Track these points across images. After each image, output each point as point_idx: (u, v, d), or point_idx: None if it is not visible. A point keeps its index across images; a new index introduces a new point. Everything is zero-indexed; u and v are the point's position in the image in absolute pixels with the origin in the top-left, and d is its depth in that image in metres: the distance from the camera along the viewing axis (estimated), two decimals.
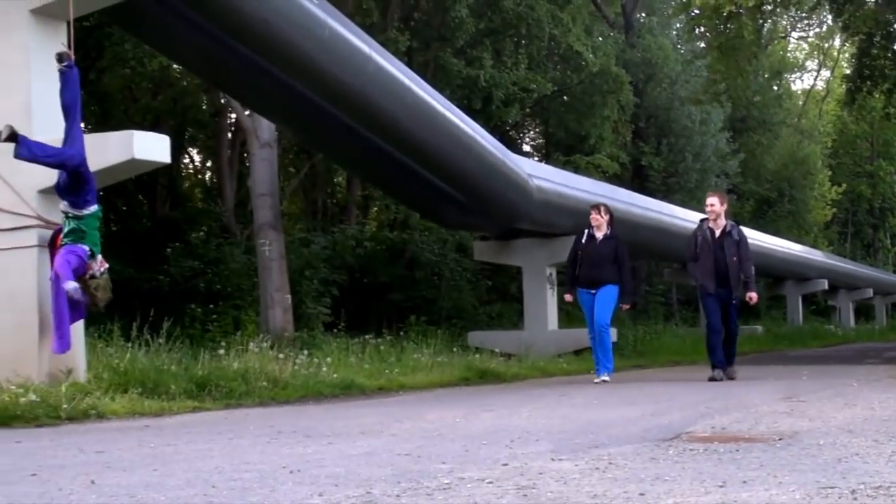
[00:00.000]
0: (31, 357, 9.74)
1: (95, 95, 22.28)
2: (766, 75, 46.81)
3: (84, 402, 8.83)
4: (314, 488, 4.64)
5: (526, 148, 37.23)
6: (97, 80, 22.11)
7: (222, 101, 23.35)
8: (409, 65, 19.62)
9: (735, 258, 13.37)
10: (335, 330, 18.53)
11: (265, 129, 18.12)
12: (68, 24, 10.02)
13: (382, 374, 13.37)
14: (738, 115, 43.04)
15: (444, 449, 6.08)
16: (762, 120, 45.08)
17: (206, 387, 10.48)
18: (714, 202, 13.67)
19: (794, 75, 59.52)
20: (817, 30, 55.25)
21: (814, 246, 45.59)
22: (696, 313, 32.66)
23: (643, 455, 5.57)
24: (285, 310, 17.81)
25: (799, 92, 59.16)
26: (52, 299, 9.59)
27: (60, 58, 9.53)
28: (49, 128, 9.89)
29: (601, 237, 13.93)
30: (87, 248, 9.67)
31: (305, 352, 13.63)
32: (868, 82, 25.31)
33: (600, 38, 32.87)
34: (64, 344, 9.54)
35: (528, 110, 32.22)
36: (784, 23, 48.35)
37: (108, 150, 10.08)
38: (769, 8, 24.34)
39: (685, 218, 24.05)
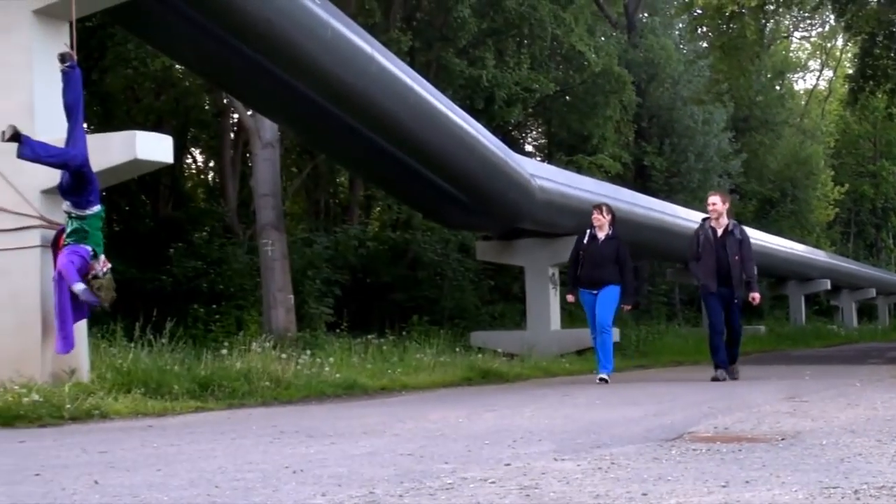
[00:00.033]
0: (35, 357, 9.75)
1: (98, 96, 22.31)
2: (769, 75, 46.78)
3: (87, 402, 8.84)
4: (317, 488, 4.64)
5: (528, 148, 37.23)
6: (100, 80, 22.13)
7: (225, 101, 23.37)
8: (412, 65, 19.62)
9: (737, 257, 13.34)
10: (338, 330, 18.54)
11: (267, 129, 18.12)
12: (70, 24, 10.02)
13: (385, 374, 13.37)
14: (741, 115, 43.02)
15: (447, 449, 6.08)
16: (765, 120, 45.06)
17: (208, 387, 10.49)
18: (716, 201, 13.63)
19: (796, 75, 59.59)
20: (820, 30, 55.26)
21: (816, 246, 45.56)
22: (698, 313, 32.66)
23: (646, 455, 5.57)
24: (288, 310, 17.81)
25: (801, 92, 59.15)
26: (55, 299, 9.59)
27: (63, 58, 9.54)
28: (51, 128, 9.90)
29: (603, 237, 13.89)
30: (89, 248, 9.67)
31: (308, 352, 13.64)
32: (871, 82, 25.32)
33: (603, 38, 32.88)
34: (68, 344, 9.55)
35: (530, 110, 32.22)
36: (786, 23, 48.32)
37: (110, 150, 10.09)
38: (772, 8, 24.33)
39: (688, 218, 24.04)
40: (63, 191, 9.73)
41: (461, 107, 17.92)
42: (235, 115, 23.85)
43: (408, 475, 4.98)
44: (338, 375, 12.27)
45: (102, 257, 9.79)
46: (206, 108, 26.33)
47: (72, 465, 5.63)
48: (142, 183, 23.14)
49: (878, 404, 8.58)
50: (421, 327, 20.38)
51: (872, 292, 47.73)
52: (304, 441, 6.68)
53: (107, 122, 21.94)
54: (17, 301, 9.95)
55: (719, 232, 13.45)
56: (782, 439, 6.18)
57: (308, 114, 14.61)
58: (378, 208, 29.83)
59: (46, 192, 10.01)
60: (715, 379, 13.15)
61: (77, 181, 9.60)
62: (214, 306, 19.14)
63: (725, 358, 13.48)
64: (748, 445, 5.91)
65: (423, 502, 4.26)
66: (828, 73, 61.10)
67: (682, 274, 28.67)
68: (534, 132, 38.67)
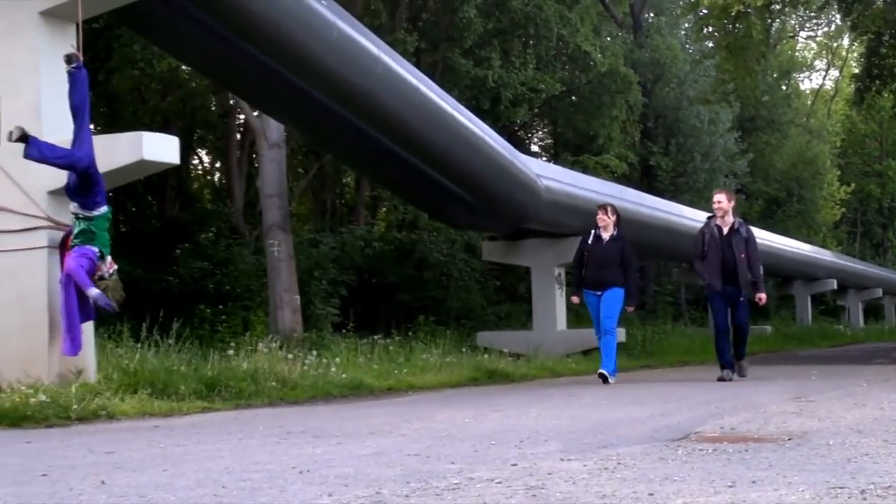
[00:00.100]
0: (42, 358, 9.77)
1: (104, 97, 22.32)
2: (775, 75, 46.74)
3: (94, 402, 8.85)
4: (323, 488, 4.65)
5: (534, 148, 37.23)
6: (106, 81, 22.15)
7: (231, 102, 23.38)
8: (418, 65, 19.64)
9: (743, 255, 13.25)
10: (344, 330, 18.53)
11: (274, 129, 18.14)
12: (77, 25, 10.04)
13: (391, 374, 13.38)
14: (747, 115, 42.97)
15: (454, 449, 6.08)
16: (771, 120, 45.01)
17: (215, 387, 10.50)
18: (721, 199, 13.53)
19: (802, 75, 59.53)
20: (826, 29, 55.19)
21: (823, 246, 45.50)
22: (704, 313, 32.62)
23: (652, 455, 5.57)
24: (294, 310, 17.83)
25: (807, 91, 59.12)
26: (62, 301, 9.60)
27: (69, 59, 9.55)
28: (58, 129, 9.92)
29: (608, 238, 13.81)
30: (96, 249, 9.69)
31: (314, 352, 13.64)
32: (877, 81, 25.30)
33: (608, 38, 32.85)
34: (76, 346, 9.57)
35: (536, 110, 32.21)
36: (792, 22, 48.25)
37: (117, 151, 10.11)
38: (777, 7, 24.33)
39: (694, 218, 24.01)
40: (70, 192, 9.75)
41: (467, 107, 17.92)
42: (242, 116, 23.88)
43: (414, 475, 4.98)
44: (344, 376, 12.29)
45: (109, 258, 9.80)
46: (213, 108, 26.35)
47: (79, 466, 5.64)
48: (148, 184, 23.15)
49: (884, 404, 8.57)
50: (427, 327, 20.38)
51: (879, 292, 47.65)
52: (310, 441, 6.68)
53: (113, 123, 21.94)
54: (24, 302, 9.97)
55: (725, 230, 13.36)
56: (789, 439, 6.18)
57: (314, 114, 14.62)
58: (384, 209, 29.81)
59: (53, 193, 10.03)
60: (721, 379, 13.12)
61: (83, 182, 9.62)
62: (221, 307, 19.15)
63: (731, 358, 13.44)
64: (755, 445, 5.91)
65: (429, 502, 4.26)
66: (834, 73, 61.11)
67: (688, 274, 28.63)
68: (540, 132, 38.68)
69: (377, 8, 24.37)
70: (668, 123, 35.47)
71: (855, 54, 46.73)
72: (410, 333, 19.27)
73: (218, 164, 30.74)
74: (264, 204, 18.60)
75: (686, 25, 36.22)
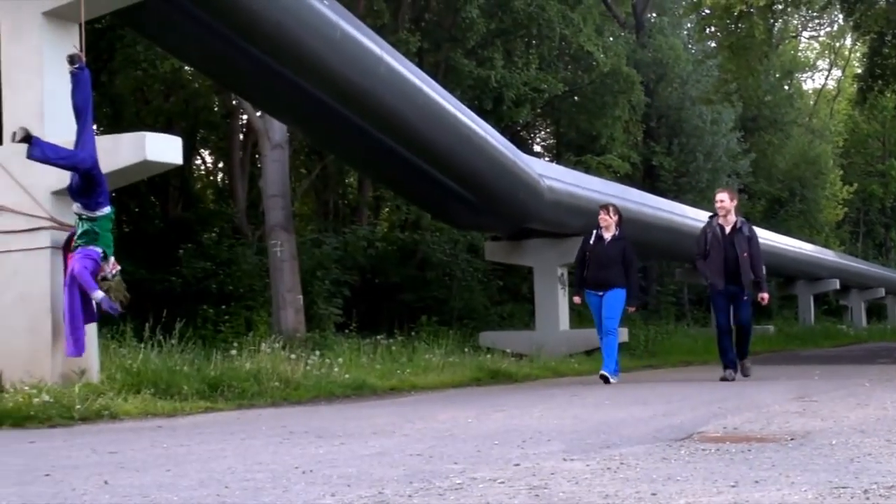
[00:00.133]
0: (45, 358, 9.79)
1: (107, 97, 22.35)
2: (778, 75, 46.70)
3: (97, 402, 8.86)
4: (326, 488, 4.65)
5: (537, 148, 37.23)
6: (109, 81, 22.17)
7: (234, 102, 23.40)
8: (420, 65, 19.64)
9: (746, 254, 13.21)
10: (347, 330, 18.55)
11: (277, 130, 18.14)
12: (80, 26, 10.05)
13: (394, 374, 13.39)
14: (749, 115, 42.96)
15: (456, 449, 6.09)
16: (773, 119, 44.98)
17: (218, 387, 10.51)
18: (724, 198, 13.50)
19: (805, 75, 59.47)
20: (828, 29, 55.25)
21: (825, 245, 45.48)
22: (707, 313, 32.58)
23: (655, 455, 5.58)
24: (297, 310, 17.83)
25: (810, 91, 59.06)
26: (66, 303, 9.61)
27: (72, 60, 9.56)
28: (61, 129, 9.93)
29: (609, 238, 13.78)
30: (100, 250, 9.70)
31: (317, 352, 13.65)
32: (879, 81, 25.28)
33: (611, 38, 32.82)
34: (80, 347, 9.59)
35: (538, 110, 32.20)
36: (795, 22, 48.29)
37: (120, 151, 10.12)
38: (780, 7, 24.30)
39: (696, 218, 23.99)
40: (73, 193, 9.76)
41: (470, 107, 17.92)
42: (244, 117, 23.90)
43: (417, 475, 4.99)
44: (347, 376, 12.29)
45: (112, 259, 9.81)
46: (216, 109, 26.36)
47: (82, 466, 5.65)
48: (151, 184, 23.17)
49: (888, 404, 8.57)
50: (430, 328, 20.39)
51: (882, 292, 47.62)
52: (313, 441, 6.69)
53: (116, 123, 21.96)
54: (27, 302, 9.98)
55: (727, 229, 13.32)
56: (792, 439, 6.18)
57: (317, 114, 14.63)
58: (387, 209, 29.82)
59: (56, 194, 10.05)
60: (724, 379, 13.10)
61: (86, 183, 9.63)
62: (224, 307, 19.16)
63: (734, 358, 13.42)
64: (757, 445, 5.91)
65: (432, 502, 4.26)
66: (836, 73, 61.01)
67: (691, 274, 28.63)
68: (542, 132, 38.68)
69: (380, 8, 24.37)
70: (671, 123, 35.46)
71: (857, 54, 46.78)
72: (413, 333, 19.27)
73: (221, 165, 30.77)
74: (267, 204, 18.61)
75: (688, 25, 36.17)
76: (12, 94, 10.29)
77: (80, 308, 9.58)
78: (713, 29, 26.79)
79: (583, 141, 32.85)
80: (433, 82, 15.90)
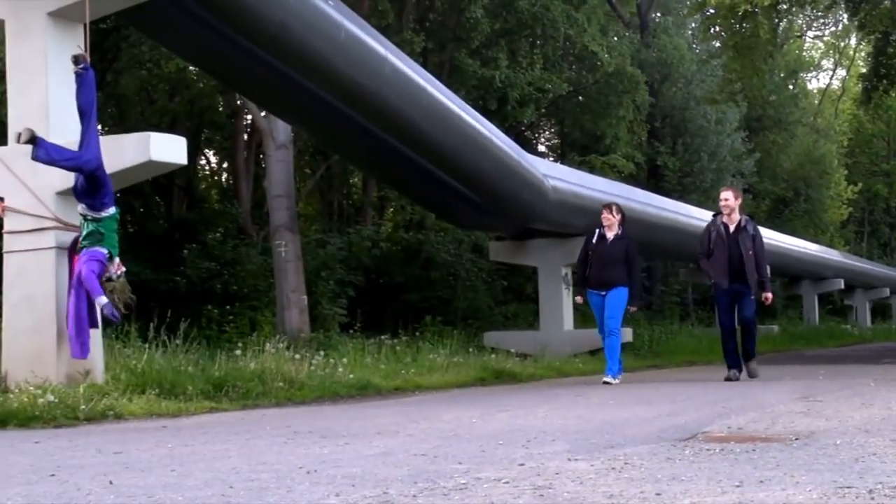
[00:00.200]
0: (50, 358, 9.80)
1: (112, 97, 22.37)
2: (782, 74, 46.67)
3: (102, 402, 8.88)
4: (331, 488, 4.65)
5: (541, 148, 37.20)
6: (114, 82, 22.19)
7: (238, 102, 23.42)
8: (425, 66, 19.64)
9: (751, 252, 13.13)
10: (351, 330, 18.55)
11: (281, 130, 18.16)
12: (85, 26, 10.06)
13: (398, 374, 13.39)
14: (754, 115, 42.93)
15: (461, 449, 6.09)
16: (778, 119, 44.94)
17: (222, 387, 10.52)
18: (728, 196, 13.43)
19: (809, 74, 59.43)
20: (833, 29, 55.12)
21: (830, 245, 45.42)
22: (711, 313, 32.59)
23: (659, 455, 5.57)
24: (301, 311, 17.84)
25: (815, 91, 58.97)
26: (72, 306, 9.61)
27: (76, 60, 9.58)
28: (66, 130, 9.95)
29: (612, 237, 13.73)
30: (105, 251, 9.71)
31: (321, 352, 13.66)
32: (884, 81, 25.24)
33: (615, 38, 32.82)
34: (85, 350, 9.61)
35: (543, 110, 32.19)
36: (800, 22, 48.23)
37: (124, 151, 10.13)
38: (785, 7, 24.28)
39: (701, 218, 23.94)
40: (78, 193, 9.78)
41: (474, 107, 17.93)
42: (249, 117, 23.91)
43: (421, 475, 4.99)
44: (351, 376, 12.30)
45: (117, 260, 9.82)
46: (220, 109, 26.37)
47: (87, 466, 5.66)
48: (156, 184, 23.19)
49: (892, 404, 8.55)
50: (434, 328, 20.40)
51: (886, 292, 47.59)
52: (317, 441, 6.69)
53: (121, 123, 21.99)
54: (32, 302, 10.00)
55: (731, 228, 13.26)
56: (796, 439, 6.17)
57: (321, 115, 14.64)
58: (391, 209, 29.84)
59: (61, 194, 10.06)
60: (728, 379, 13.06)
61: (91, 184, 9.64)
62: (228, 307, 19.18)
63: (738, 358, 13.36)
64: (762, 445, 5.91)
65: (436, 502, 4.27)
66: (841, 73, 60.95)
67: (696, 274, 28.52)
68: (547, 132, 38.65)
69: (384, 8, 24.38)
70: (675, 123, 35.44)
71: (862, 53, 46.61)
72: (417, 333, 19.27)
73: (225, 165, 30.77)
74: (271, 204, 18.63)
75: (693, 25, 36.16)
76: (17, 95, 10.31)
77: (87, 311, 9.59)
78: (717, 28, 26.76)
79: (587, 141, 32.84)
80: (437, 82, 15.91)
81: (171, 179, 23.78)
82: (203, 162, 30.02)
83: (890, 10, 22.01)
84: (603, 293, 13.65)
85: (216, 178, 31.79)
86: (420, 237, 25.82)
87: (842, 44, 58.47)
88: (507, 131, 20.32)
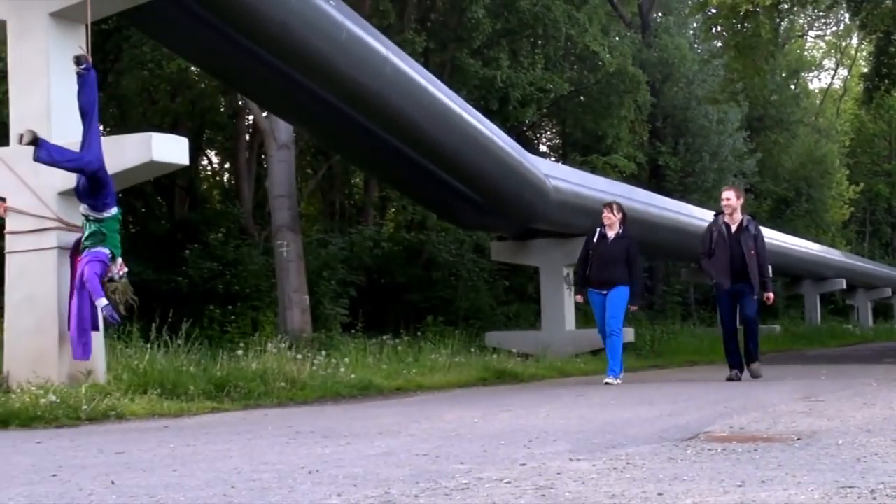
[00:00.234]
0: (52, 358, 9.80)
1: (114, 98, 22.39)
2: (784, 74, 46.66)
3: (103, 403, 8.88)
4: (332, 488, 4.65)
5: (543, 148, 37.21)
6: (116, 82, 22.21)
7: (240, 102, 23.42)
8: (426, 66, 19.64)
9: (752, 252, 13.09)
10: (353, 331, 18.55)
11: (283, 130, 18.17)
12: (86, 26, 10.07)
13: (400, 374, 13.39)
14: (756, 115, 42.92)
15: (462, 449, 6.09)
16: (779, 119, 44.94)
17: (224, 387, 10.52)
18: (730, 196, 13.38)
19: (811, 74, 59.42)
20: (835, 28, 55.09)
21: (832, 245, 45.39)
22: (713, 313, 32.57)
23: (661, 455, 5.57)
24: (303, 311, 17.85)
25: (816, 91, 58.95)
26: (75, 307, 9.61)
27: (78, 60, 9.58)
28: (68, 130, 9.95)
29: (613, 236, 13.68)
30: (108, 251, 9.71)
31: (323, 352, 13.66)
32: (886, 81, 25.23)
33: (617, 38, 32.83)
34: (87, 351, 9.61)
35: (544, 110, 32.20)
36: (801, 21, 48.17)
37: (126, 152, 10.13)
38: (786, 7, 24.27)
39: (702, 218, 23.95)
40: (79, 194, 9.78)
41: (475, 107, 17.93)
42: (251, 117, 23.92)
43: (423, 475, 4.99)
44: (353, 376, 12.30)
45: (119, 260, 9.82)
46: (222, 109, 26.39)
47: (89, 466, 5.66)
48: (157, 184, 23.22)
49: (894, 404, 8.55)
50: (436, 328, 20.40)
51: (888, 292, 47.56)
52: (319, 441, 6.69)
53: (123, 124, 21.99)
54: (34, 303, 10.00)
55: (733, 227, 13.21)
56: (798, 439, 6.17)
57: (323, 115, 14.64)
58: (393, 209, 29.84)
59: (63, 194, 10.06)
60: (730, 379, 13.04)
61: (92, 184, 9.65)
62: (230, 307, 19.18)
63: (740, 358, 13.33)
64: (764, 445, 5.90)
65: (438, 502, 4.26)
66: (843, 72, 60.93)
67: (697, 274, 28.48)
68: (548, 132, 38.67)
69: (386, 8, 24.40)
70: (677, 123, 35.44)
71: (864, 53, 46.63)
72: (419, 334, 19.28)
73: (227, 165, 30.79)
74: (273, 204, 18.64)
75: (694, 25, 36.18)
76: (19, 95, 10.32)
77: (89, 313, 9.60)
78: (719, 28, 26.78)
79: (588, 141, 32.84)
80: (439, 82, 15.92)
81: (173, 180, 23.79)
82: (205, 162, 30.04)
83: (891, 9, 22.00)
84: (604, 292, 13.61)
85: (218, 178, 31.80)
86: (422, 237, 25.82)
87: (843, 43, 58.43)
88: (508, 131, 20.32)
